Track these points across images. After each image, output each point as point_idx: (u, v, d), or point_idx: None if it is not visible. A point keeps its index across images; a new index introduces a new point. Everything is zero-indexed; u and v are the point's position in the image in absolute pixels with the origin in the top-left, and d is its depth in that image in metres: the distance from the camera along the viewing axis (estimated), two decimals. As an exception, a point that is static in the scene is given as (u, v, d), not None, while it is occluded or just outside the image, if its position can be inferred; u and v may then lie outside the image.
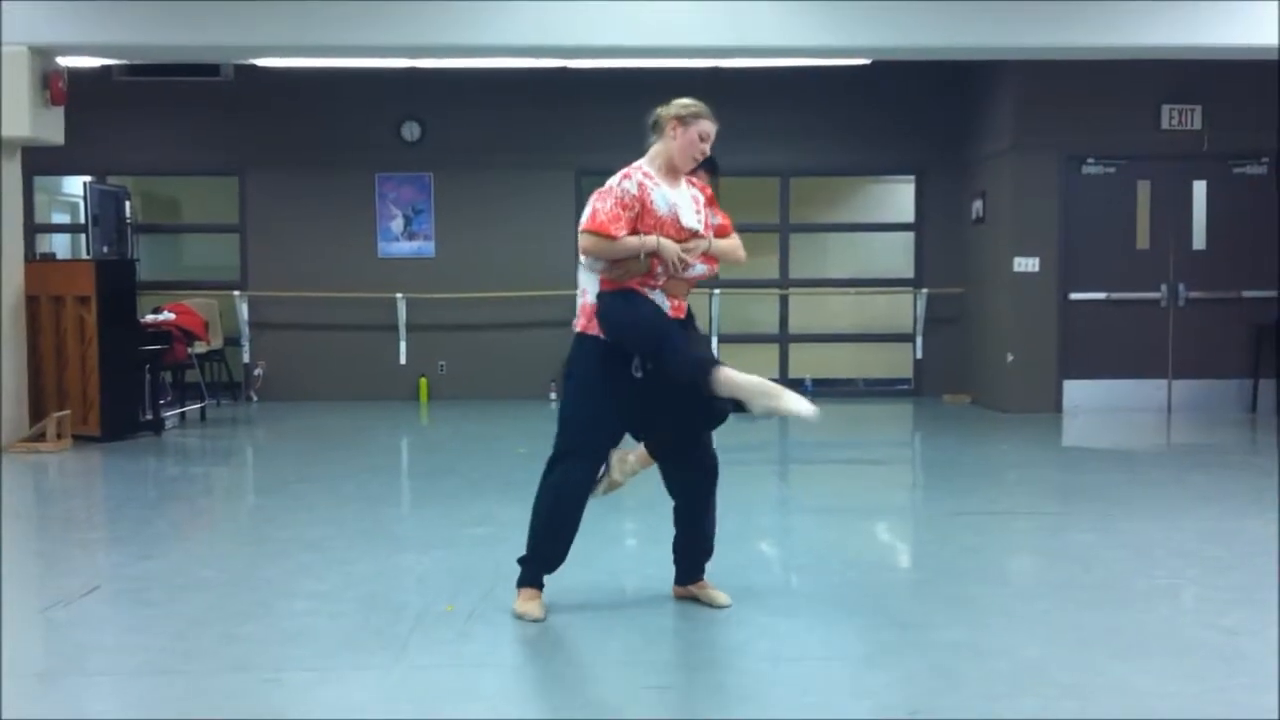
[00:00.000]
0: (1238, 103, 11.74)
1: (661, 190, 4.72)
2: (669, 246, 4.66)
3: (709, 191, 4.98)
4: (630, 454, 4.94)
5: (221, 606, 5.18)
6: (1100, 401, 12.04)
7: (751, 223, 13.94)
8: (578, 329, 4.88)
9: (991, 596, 5.41)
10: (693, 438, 4.94)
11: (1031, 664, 4.35)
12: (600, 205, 4.68)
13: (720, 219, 4.98)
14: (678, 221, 4.74)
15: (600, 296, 4.74)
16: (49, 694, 4.14)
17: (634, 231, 4.65)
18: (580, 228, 4.72)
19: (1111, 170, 12.13)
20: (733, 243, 4.98)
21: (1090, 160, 12.09)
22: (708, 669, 4.51)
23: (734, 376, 4.58)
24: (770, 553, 6.24)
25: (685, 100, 4.82)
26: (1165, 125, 11.94)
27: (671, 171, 4.80)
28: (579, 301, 4.91)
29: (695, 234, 4.80)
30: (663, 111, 4.80)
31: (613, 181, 4.73)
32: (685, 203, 4.79)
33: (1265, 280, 11.95)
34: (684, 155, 4.79)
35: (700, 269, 4.83)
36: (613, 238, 4.61)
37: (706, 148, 4.85)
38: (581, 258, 4.84)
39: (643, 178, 4.70)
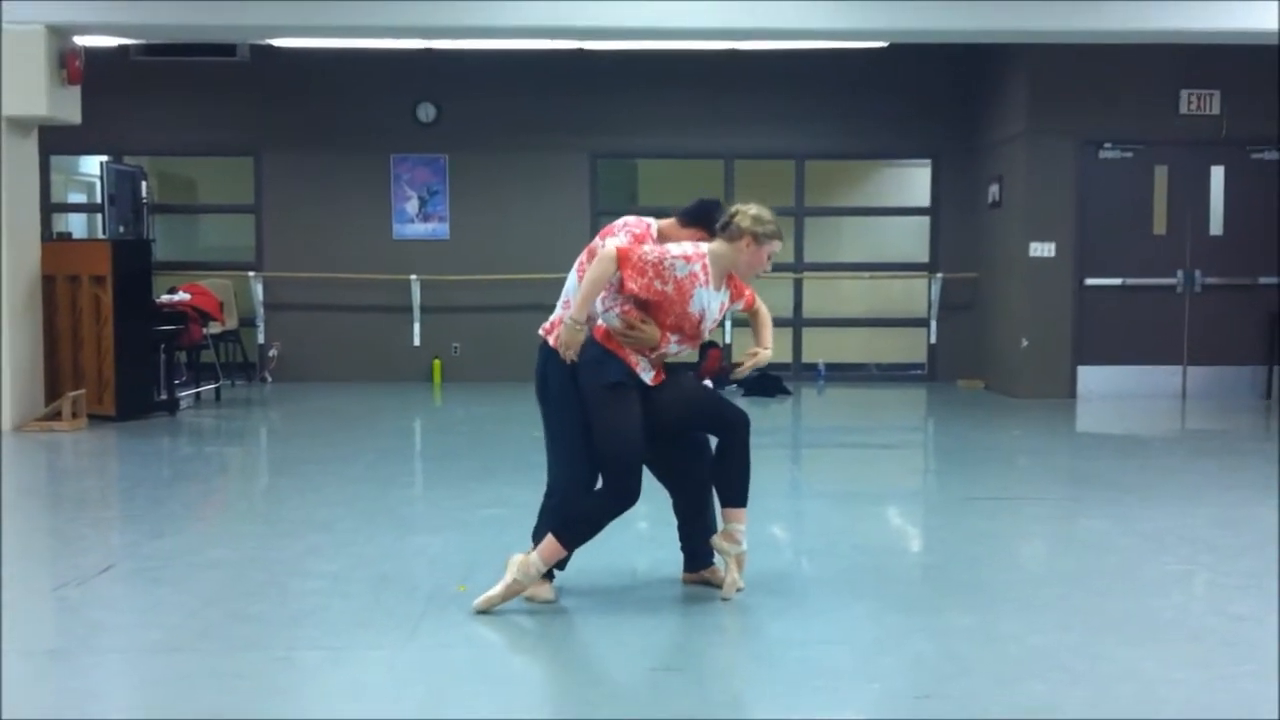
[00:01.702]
0: (1257, 88, 11.66)
1: (705, 292, 4.67)
2: (570, 337, 4.60)
3: (738, 287, 4.89)
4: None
5: (233, 586, 5.21)
6: (1115, 387, 12.00)
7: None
8: (551, 341, 4.81)
9: (1002, 582, 5.41)
10: (679, 439, 4.93)
11: (1041, 649, 4.35)
12: (644, 252, 4.59)
13: (744, 302, 4.95)
14: (700, 323, 4.73)
15: (591, 345, 4.69)
16: (61, 671, 4.17)
17: (642, 303, 4.63)
18: (616, 244, 4.63)
19: (1129, 155, 12.07)
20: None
21: (1107, 145, 12.03)
22: (717, 651, 4.52)
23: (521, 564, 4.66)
24: (781, 536, 6.24)
25: (763, 215, 4.73)
26: (1184, 110, 11.87)
27: (724, 274, 4.78)
28: (558, 310, 4.87)
29: (698, 334, 4.79)
30: (740, 220, 4.69)
31: (671, 248, 4.66)
32: (716, 307, 4.77)
33: (1283, 267, 11.90)
34: (749, 271, 4.81)
35: (678, 350, 4.80)
36: (620, 277, 4.57)
37: (770, 266, 4.85)
38: (577, 274, 4.81)
39: (700, 271, 4.64)
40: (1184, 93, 11.85)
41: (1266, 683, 4.02)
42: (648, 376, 4.71)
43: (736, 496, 4.86)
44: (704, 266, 4.66)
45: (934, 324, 13.61)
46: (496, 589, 4.70)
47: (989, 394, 12.63)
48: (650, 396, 4.71)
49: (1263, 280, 11.95)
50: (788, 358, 13.73)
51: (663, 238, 4.86)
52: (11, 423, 9.61)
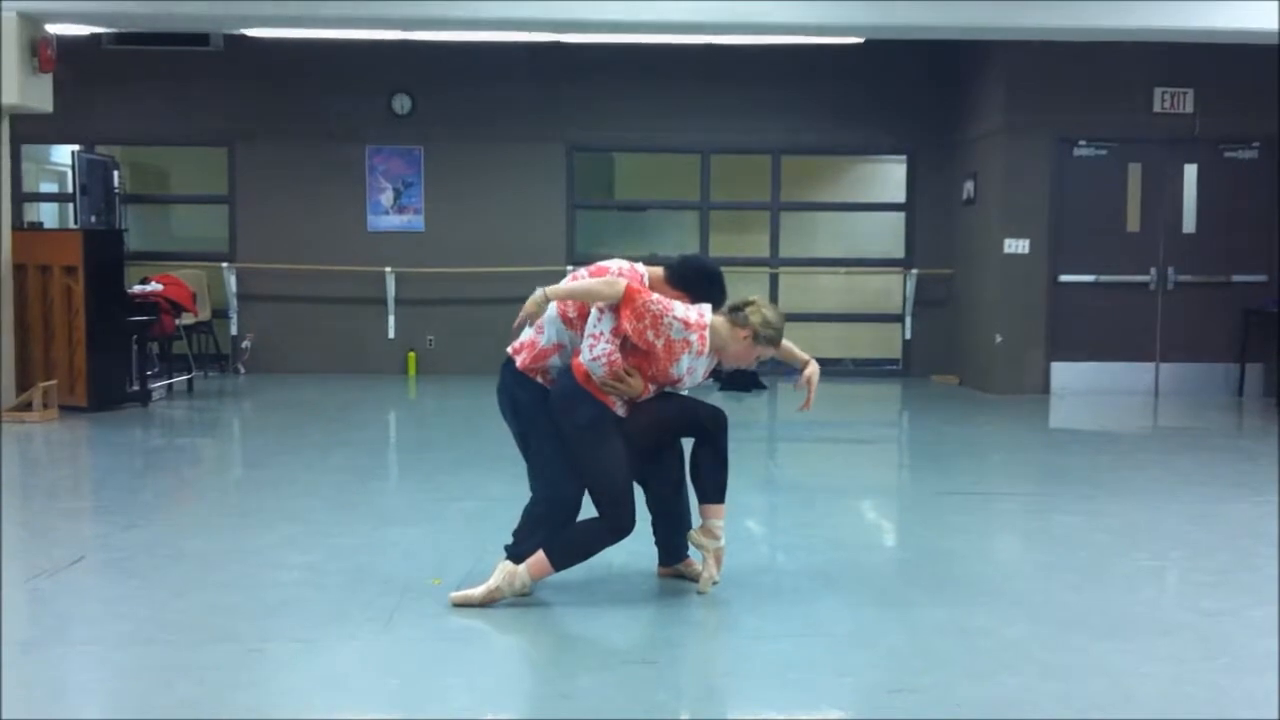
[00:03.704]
0: (1230, 87, 11.73)
1: (692, 359, 4.69)
2: (533, 309, 4.66)
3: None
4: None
5: (207, 577, 5.18)
6: (1088, 384, 12.06)
7: (743, 201, 13.95)
8: (518, 363, 4.81)
9: (975, 576, 5.44)
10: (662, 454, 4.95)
11: (1014, 643, 4.37)
12: (651, 301, 4.58)
13: None
14: (679, 381, 4.75)
15: (565, 376, 4.71)
16: (33, 663, 4.13)
17: (628, 348, 4.63)
18: (626, 283, 4.60)
19: (1103, 152, 12.12)
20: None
21: (1082, 142, 12.08)
22: (692, 645, 4.52)
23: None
24: (756, 531, 6.25)
25: (772, 320, 4.75)
26: (1157, 108, 11.92)
27: (716, 348, 4.78)
28: (529, 333, 4.84)
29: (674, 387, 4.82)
30: (752, 315, 4.71)
31: (678, 309, 4.63)
32: (700, 372, 4.80)
33: (1254, 264, 11.97)
34: (734, 360, 4.87)
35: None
36: (619, 313, 4.58)
37: (755, 364, 4.93)
38: (554, 309, 4.76)
39: (697, 341, 4.65)
40: (1158, 91, 11.90)
41: (1238, 677, 4.06)
42: (621, 411, 4.71)
43: (714, 493, 4.87)
44: (701, 338, 4.67)
45: (909, 319, 13.65)
46: (477, 591, 4.69)
47: (963, 389, 12.67)
48: (623, 421, 4.72)
49: (1235, 278, 12.02)
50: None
51: (650, 288, 4.83)
52: (-19, 413, 9.53)
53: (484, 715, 3.75)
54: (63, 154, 13.86)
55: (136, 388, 10.61)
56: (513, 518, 4.97)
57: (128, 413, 10.22)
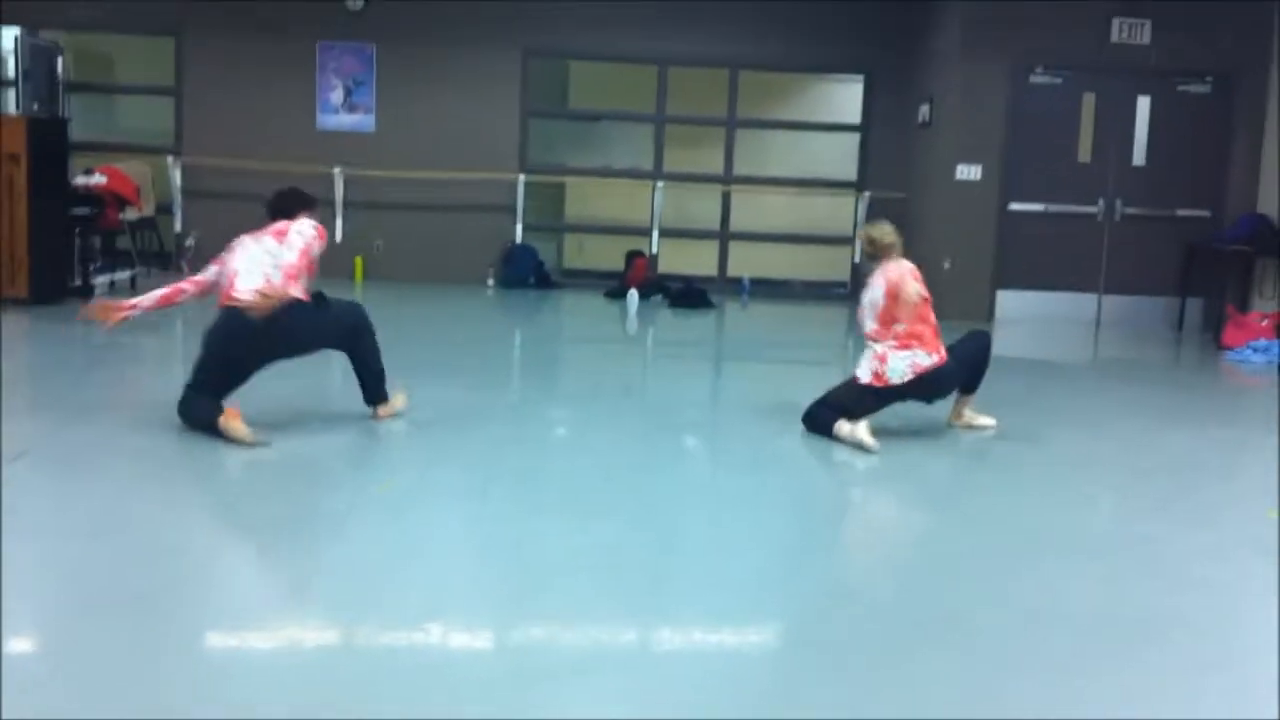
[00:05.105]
0: (1188, 19, 11.76)
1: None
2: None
3: None
4: None
5: (154, 474, 5.15)
6: (1032, 312, 12.19)
7: (699, 115, 13.85)
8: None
9: (914, 495, 5.52)
10: None
11: (953, 558, 4.47)
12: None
13: None
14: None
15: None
16: (-22, 553, 4.11)
17: None
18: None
19: (1059, 81, 12.14)
20: None
21: (1039, 69, 12.09)
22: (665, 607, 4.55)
23: None
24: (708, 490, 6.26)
25: None
26: (1115, 38, 11.94)
27: None
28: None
29: None
30: None
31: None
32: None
33: (1199, 199, 12.11)
34: None
35: None
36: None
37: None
38: None
39: (317, 244, 5.29)
40: (1116, 20, 11.91)
41: (1170, 596, 4.17)
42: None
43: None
44: (321, 238, 4.96)
45: (859, 243, 13.66)
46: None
47: (909, 313, 12.71)
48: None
49: (1180, 213, 12.15)
50: (713, 271, 13.74)
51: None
52: (-82, 301, 9.35)
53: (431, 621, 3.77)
54: (4, 38, 13.46)
55: (79, 282, 10.45)
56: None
57: (69, 307, 10.04)
